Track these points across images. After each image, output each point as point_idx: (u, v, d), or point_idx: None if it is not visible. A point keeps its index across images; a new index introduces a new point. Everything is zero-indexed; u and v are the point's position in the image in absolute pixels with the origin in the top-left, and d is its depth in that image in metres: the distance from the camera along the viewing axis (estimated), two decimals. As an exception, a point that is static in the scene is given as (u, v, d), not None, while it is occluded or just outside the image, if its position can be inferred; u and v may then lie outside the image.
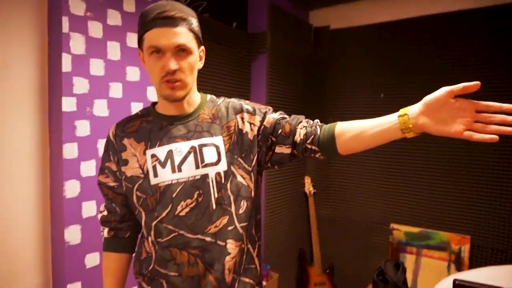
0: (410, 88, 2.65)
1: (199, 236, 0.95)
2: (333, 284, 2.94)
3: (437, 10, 2.53)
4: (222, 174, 0.97)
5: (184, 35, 0.92)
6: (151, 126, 1.01)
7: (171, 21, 0.91)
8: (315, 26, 3.10)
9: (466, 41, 2.42)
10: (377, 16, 2.80)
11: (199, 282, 0.96)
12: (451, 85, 0.85)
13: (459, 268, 2.41)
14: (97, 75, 1.62)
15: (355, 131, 0.98)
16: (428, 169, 2.59)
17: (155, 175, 0.96)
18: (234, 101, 1.06)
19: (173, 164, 0.96)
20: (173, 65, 0.90)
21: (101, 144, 1.65)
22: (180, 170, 0.96)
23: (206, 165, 0.97)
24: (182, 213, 0.95)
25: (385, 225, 2.78)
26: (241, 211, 0.98)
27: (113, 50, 1.68)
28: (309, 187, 3.03)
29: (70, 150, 1.54)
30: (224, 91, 2.45)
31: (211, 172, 0.96)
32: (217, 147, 0.98)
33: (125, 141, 1.01)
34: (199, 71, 1.03)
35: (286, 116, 1.08)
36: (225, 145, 0.99)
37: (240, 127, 1.01)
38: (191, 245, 0.95)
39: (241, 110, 1.04)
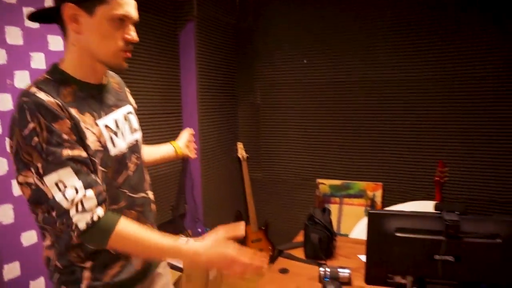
0: (330, 52, 2.87)
1: (141, 194, 1.07)
2: (268, 239, 3.19)
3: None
4: (141, 138, 1.11)
5: (136, 7, 0.94)
6: (83, 94, 0.93)
7: None
8: (239, -6, 3.14)
9: (384, 10, 2.69)
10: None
11: None
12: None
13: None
14: (15, 44, 1.51)
15: (147, 154, 1.28)
16: (345, 129, 2.90)
17: (114, 145, 0.97)
18: (118, 76, 1.16)
19: (122, 132, 1.01)
20: (136, 38, 0.93)
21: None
22: (125, 138, 1.02)
23: (135, 130, 1.08)
24: (130, 173, 1.03)
25: (312, 181, 3.07)
26: None
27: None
28: (242, 152, 3.18)
29: (-8, 126, 1.45)
30: (152, 61, 2.41)
31: (138, 136, 1.09)
32: (133, 114, 1.10)
33: (72, 111, 0.88)
34: None
35: None
36: (135, 111, 1.13)
37: (130, 98, 1.16)
38: (136, 203, 1.04)
39: (124, 84, 1.16)
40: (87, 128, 0.90)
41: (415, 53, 2.62)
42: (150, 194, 1.13)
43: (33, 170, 0.83)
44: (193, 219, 2.77)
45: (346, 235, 2.54)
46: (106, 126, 0.96)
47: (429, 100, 2.62)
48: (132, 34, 0.93)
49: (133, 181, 1.03)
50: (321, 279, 1.36)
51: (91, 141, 0.90)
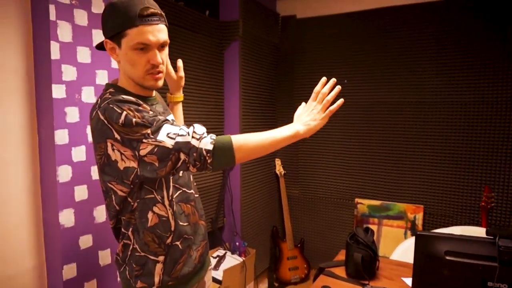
0: (371, 73, 2.89)
1: (192, 191, 1.21)
2: (304, 257, 3.18)
3: (399, 2, 2.77)
4: None
5: (165, 31, 1.04)
6: (143, 102, 1.09)
7: (156, 18, 1.00)
8: (282, 15, 3.24)
9: (425, 32, 2.69)
10: (341, 6, 3.00)
11: (197, 225, 1.21)
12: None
13: (414, 234, 2.73)
14: (84, 62, 1.66)
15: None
16: (385, 148, 2.87)
17: None
18: None
19: None
20: (160, 59, 1.03)
21: (90, 130, 1.70)
22: None
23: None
24: (180, 174, 1.16)
25: (350, 200, 3.05)
26: None
27: (98, 38, 1.72)
28: (279, 168, 3.22)
29: (61, 136, 1.58)
30: (198, 79, 2.54)
31: None
32: (175, 121, 1.24)
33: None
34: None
35: None
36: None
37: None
38: (191, 198, 1.18)
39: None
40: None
41: (461, 74, 2.58)
42: (197, 194, 1.28)
43: (147, 139, 0.95)
44: (231, 232, 2.83)
45: (386, 257, 2.50)
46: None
47: (475, 122, 2.56)
48: (155, 58, 1.01)
49: (184, 178, 1.19)
50: (365, 299, 1.36)
51: None
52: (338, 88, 1.17)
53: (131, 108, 0.97)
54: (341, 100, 1.17)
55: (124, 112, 0.96)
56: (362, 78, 2.94)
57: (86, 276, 1.71)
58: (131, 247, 1.10)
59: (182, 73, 1.36)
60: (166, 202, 1.09)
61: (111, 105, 0.97)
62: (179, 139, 0.95)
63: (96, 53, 1.72)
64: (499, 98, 2.47)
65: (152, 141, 0.95)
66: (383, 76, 2.85)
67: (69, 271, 1.63)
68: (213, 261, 2.56)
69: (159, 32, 1.01)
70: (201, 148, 0.95)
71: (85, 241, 1.71)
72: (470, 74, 2.55)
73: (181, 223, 1.12)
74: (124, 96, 1.00)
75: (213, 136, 0.98)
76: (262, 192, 3.15)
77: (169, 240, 1.09)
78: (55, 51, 1.54)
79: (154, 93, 1.19)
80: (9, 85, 1.54)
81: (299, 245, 3.19)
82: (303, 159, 3.28)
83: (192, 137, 0.96)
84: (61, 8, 1.56)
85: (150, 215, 1.07)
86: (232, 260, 2.58)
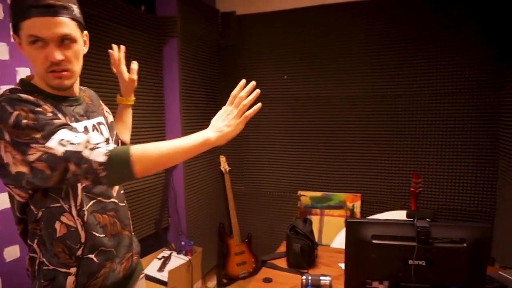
0: (310, 70, 2.99)
1: (112, 200, 1.11)
2: (251, 251, 3.22)
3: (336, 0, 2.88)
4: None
5: (67, 24, 0.92)
6: (54, 103, 0.99)
7: (52, 10, 0.89)
8: (222, 11, 3.23)
9: (357, 27, 2.84)
10: (281, 3, 3.05)
11: (118, 237, 1.12)
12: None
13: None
14: (2, 59, 1.53)
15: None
16: (325, 142, 3.00)
17: None
18: (89, 89, 1.24)
19: None
20: (58, 55, 0.92)
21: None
22: None
23: (106, 141, 1.06)
24: None
25: (293, 193, 3.14)
26: None
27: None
28: (224, 165, 3.22)
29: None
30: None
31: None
32: (104, 125, 1.16)
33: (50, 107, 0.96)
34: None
35: None
36: (106, 123, 1.18)
37: (104, 110, 1.24)
38: (108, 207, 1.09)
39: (98, 97, 1.25)
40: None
41: (389, 69, 2.77)
42: (122, 202, 1.17)
43: (35, 144, 0.86)
44: (176, 232, 2.78)
45: (328, 245, 2.61)
46: (85, 127, 1.05)
47: (403, 115, 2.76)
48: (52, 54, 0.91)
49: (101, 187, 1.08)
50: (304, 286, 1.41)
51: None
52: (256, 92, 1.10)
53: (25, 109, 0.88)
54: (258, 105, 1.10)
55: (16, 112, 0.87)
56: (302, 73, 3.03)
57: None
58: (37, 260, 1.00)
59: (135, 75, 1.34)
60: (74, 212, 0.99)
61: (3, 104, 0.87)
62: (70, 147, 0.86)
63: (17, 49, 1.59)
64: (423, 90, 2.69)
65: (41, 147, 0.86)
66: (321, 71, 2.96)
67: (-7, 286, 1.51)
68: (158, 263, 2.50)
69: (58, 25, 0.90)
70: (92, 160, 0.86)
71: (11, 252, 1.58)
72: (397, 68, 2.74)
73: (97, 235, 1.03)
74: (22, 95, 0.90)
75: (110, 147, 0.91)
76: (207, 190, 3.13)
77: (79, 252, 1.00)
78: (-36, 47, 1.41)
79: (80, 92, 1.09)
80: None
81: (246, 240, 3.22)
82: (247, 155, 3.31)
83: (85, 146, 0.87)
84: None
85: (57, 225, 0.98)
86: (178, 260, 2.54)
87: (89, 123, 1.08)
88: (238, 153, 3.34)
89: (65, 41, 0.93)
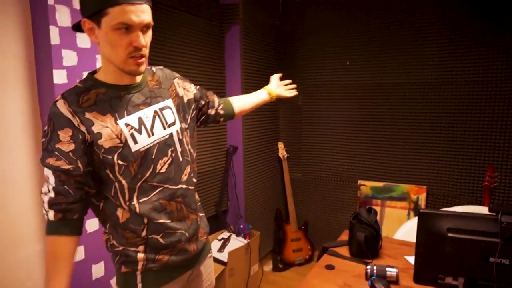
0: (373, 54, 2.86)
1: (180, 186, 1.13)
2: (308, 238, 3.22)
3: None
4: (180, 131, 1.15)
5: (148, 12, 0.97)
6: (109, 97, 1.02)
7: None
8: (283, -3, 3.19)
9: (425, 14, 2.65)
10: (342, -14, 2.94)
11: (186, 221, 1.16)
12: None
13: (417, 214, 2.75)
14: (84, 47, 1.65)
15: (243, 105, 1.50)
16: (388, 130, 2.87)
17: (135, 142, 1.03)
18: (164, 68, 1.24)
19: (147, 129, 1.06)
20: (143, 41, 0.96)
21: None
22: (153, 134, 1.07)
23: (170, 125, 1.12)
24: (163, 170, 1.09)
25: (353, 182, 3.06)
26: (193, 161, 1.23)
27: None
28: (282, 152, 3.23)
29: (64, 122, 1.59)
30: (198, 62, 2.52)
31: (173, 130, 1.13)
32: (171, 109, 1.15)
33: (88, 115, 0.98)
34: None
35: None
36: (174, 105, 1.17)
37: (177, 90, 1.20)
38: (176, 194, 1.12)
39: (174, 77, 1.23)
40: (106, 127, 1.00)
41: (462, 54, 2.55)
42: (191, 186, 1.20)
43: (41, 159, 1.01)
44: (235, 215, 2.86)
45: (388, 238, 2.52)
46: (127, 124, 1.02)
47: (477, 102, 2.54)
48: (138, 39, 0.95)
49: (169, 174, 1.10)
50: (368, 276, 1.38)
51: (107, 139, 0.99)
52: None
53: (51, 127, 0.98)
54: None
55: (46, 127, 1.00)
56: (364, 59, 2.91)
57: (93, 258, 1.74)
58: (109, 242, 1.11)
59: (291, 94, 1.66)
60: (125, 207, 1.06)
61: (49, 112, 1.00)
62: (45, 187, 1.01)
63: (96, 38, 1.70)
64: (502, 77, 2.44)
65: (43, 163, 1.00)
66: (386, 57, 2.81)
67: (77, 254, 1.67)
68: (218, 244, 2.60)
69: (143, 12, 0.95)
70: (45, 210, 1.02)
71: (92, 224, 1.73)
72: (471, 53, 2.52)
73: (160, 221, 1.08)
74: (60, 109, 0.97)
75: (49, 216, 1.00)
76: (265, 176, 3.17)
77: (144, 233, 1.07)
78: (54, 36, 1.54)
79: (143, 78, 1.11)
80: (10, 72, 1.54)
81: (302, 227, 3.22)
82: (305, 142, 3.28)
83: (43, 199, 1.01)
84: (59, -9, 1.54)
85: (119, 212, 1.06)
86: (236, 243, 2.62)
87: (148, 110, 1.08)
88: (296, 140, 3.32)
89: (146, 28, 0.97)
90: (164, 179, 1.09)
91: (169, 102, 1.15)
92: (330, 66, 3.05)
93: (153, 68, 1.20)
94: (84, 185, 1.02)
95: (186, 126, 1.19)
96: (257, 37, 2.92)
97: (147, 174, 1.06)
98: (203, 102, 1.31)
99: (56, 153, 0.97)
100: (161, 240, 1.09)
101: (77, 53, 1.63)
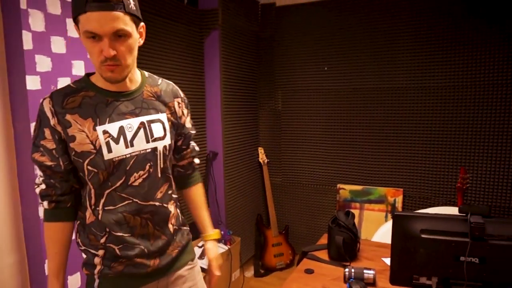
0: (349, 59, 2.93)
1: (150, 203, 1.09)
2: (288, 243, 3.23)
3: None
4: (167, 147, 1.12)
5: (121, 19, 0.92)
6: (95, 101, 1.02)
7: (107, 5, 0.89)
8: (261, 3, 3.23)
9: (403, 18, 2.73)
10: (319, -6, 3.01)
11: (149, 239, 1.11)
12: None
13: (394, 217, 2.82)
14: (59, 52, 1.62)
15: (193, 202, 1.38)
16: (365, 134, 2.93)
17: (109, 150, 1.01)
18: (173, 85, 1.21)
19: (126, 139, 1.03)
20: (111, 51, 0.93)
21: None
22: (132, 145, 1.04)
23: (155, 139, 1.09)
24: (136, 183, 1.06)
25: (332, 186, 3.10)
26: (174, 178, 1.21)
27: (72, 27, 1.68)
28: (262, 157, 3.24)
29: (38, 129, 1.55)
30: (178, 68, 2.52)
31: (160, 145, 1.10)
32: (162, 123, 1.11)
33: (69, 117, 0.99)
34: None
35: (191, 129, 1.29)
36: (168, 121, 1.14)
37: (176, 109, 1.17)
38: (144, 210, 1.08)
39: (177, 95, 1.20)
40: (82, 131, 1.00)
41: (435, 59, 2.64)
42: (166, 203, 1.14)
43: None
44: (216, 221, 2.85)
45: (367, 240, 2.56)
46: (104, 132, 1.01)
47: (449, 106, 2.64)
48: (105, 48, 0.92)
49: (141, 189, 1.07)
50: (346, 279, 1.40)
51: (80, 143, 1.00)
52: None
53: (37, 124, 1.03)
54: None
55: (35, 123, 1.04)
56: (341, 65, 2.97)
57: (69, 269, 1.69)
58: (77, 239, 1.12)
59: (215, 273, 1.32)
60: (89, 210, 1.07)
61: (39, 107, 1.03)
62: (36, 180, 1.08)
63: (72, 43, 1.68)
64: (474, 82, 2.55)
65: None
66: (362, 62, 2.88)
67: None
68: (198, 251, 2.57)
69: (112, 20, 0.90)
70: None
71: (67, 234, 1.69)
72: (444, 59, 2.61)
73: (118, 234, 1.06)
74: (45, 108, 1.01)
75: (44, 205, 1.06)
76: (246, 181, 3.17)
77: (103, 240, 1.06)
78: (27, 41, 1.50)
79: (138, 87, 1.08)
80: (-20, 77, 1.49)
81: (283, 232, 3.23)
82: (285, 147, 3.31)
83: (36, 188, 1.08)
84: (32, -4, 1.51)
85: (87, 213, 1.08)
86: (217, 249, 2.60)
87: (134, 121, 1.05)
88: (276, 144, 3.34)
89: (119, 36, 0.94)
90: (135, 192, 1.06)
91: (162, 116, 1.12)
92: (308, 71, 3.10)
93: (159, 80, 1.17)
94: (68, 181, 1.06)
95: (175, 143, 1.20)
96: (236, 43, 2.94)
97: (117, 184, 1.04)
98: (180, 140, 1.24)
99: (41, 149, 1.02)
100: (117, 251, 1.07)
101: (52, 59, 1.59)
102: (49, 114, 1.00)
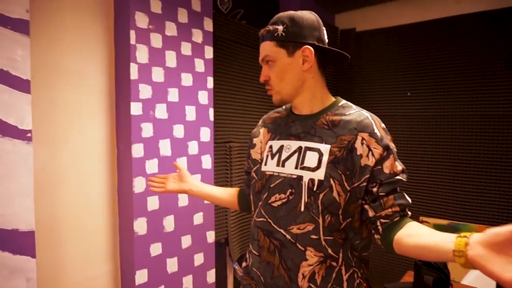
0: (435, 86, 2.76)
1: (282, 231, 1.00)
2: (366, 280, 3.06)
3: (460, 11, 2.64)
4: (316, 182, 0.97)
5: (266, 47, 1.04)
6: (283, 121, 1.14)
7: (261, 37, 1.07)
8: (341, 29, 3.23)
9: (490, 41, 2.53)
10: (401, 18, 2.92)
11: (273, 270, 1.02)
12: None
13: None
14: (158, 81, 1.79)
15: (414, 248, 0.90)
16: (454, 165, 2.71)
17: (265, 163, 1.10)
18: (366, 118, 1.01)
19: (280, 158, 1.06)
20: (261, 76, 1.08)
21: (162, 144, 1.82)
22: (283, 166, 1.04)
23: (303, 168, 0.99)
24: (274, 204, 1.03)
25: (414, 218, 2.89)
26: (326, 224, 0.97)
27: (171, 59, 1.85)
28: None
29: (137, 150, 1.71)
30: (262, 96, 2.60)
31: (306, 176, 0.98)
32: (320, 154, 0.98)
33: (261, 130, 1.19)
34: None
35: (399, 175, 1.03)
36: (330, 155, 0.97)
37: (355, 145, 0.97)
38: (274, 235, 1.02)
39: (365, 130, 0.98)
40: (260, 141, 1.17)
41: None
42: (301, 245, 0.98)
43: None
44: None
45: (456, 282, 2.33)
46: (270, 147, 1.11)
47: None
48: (261, 75, 1.08)
49: (277, 212, 1.02)
50: (439, 325, 1.28)
51: (256, 151, 1.18)
52: None
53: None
54: None
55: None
56: (425, 90, 2.82)
57: (156, 282, 1.81)
58: None
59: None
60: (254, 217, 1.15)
61: None
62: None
63: (168, 72, 1.84)
64: None
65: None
66: (450, 88, 2.70)
67: (141, 276, 1.74)
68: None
69: (263, 49, 1.05)
70: None
71: (155, 249, 1.81)
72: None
73: (250, 248, 1.12)
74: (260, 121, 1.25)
75: None
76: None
77: (249, 248, 1.14)
78: (134, 72, 1.69)
79: (317, 110, 1.06)
80: (94, 104, 1.71)
81: (358, 263, 3.08)
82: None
83: None
84: (140, 33, 1.71)
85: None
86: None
87: (294, 143, 1.04)
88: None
89: (268, 62, 1.05)
90: (270, 213, 1.03)
91: (323, 147, 0.99)
92: (389, 97, 2.99)
93: (351, 110, 1.04)
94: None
95: (341, 186, 0.96)
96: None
97: (263, 197, 1.08)
98: (372, 186, 0.98)
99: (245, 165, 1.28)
100: (249, 264, 1.12)
101: (152, 87, 1.77)
102: (256, 127, 1.24)
